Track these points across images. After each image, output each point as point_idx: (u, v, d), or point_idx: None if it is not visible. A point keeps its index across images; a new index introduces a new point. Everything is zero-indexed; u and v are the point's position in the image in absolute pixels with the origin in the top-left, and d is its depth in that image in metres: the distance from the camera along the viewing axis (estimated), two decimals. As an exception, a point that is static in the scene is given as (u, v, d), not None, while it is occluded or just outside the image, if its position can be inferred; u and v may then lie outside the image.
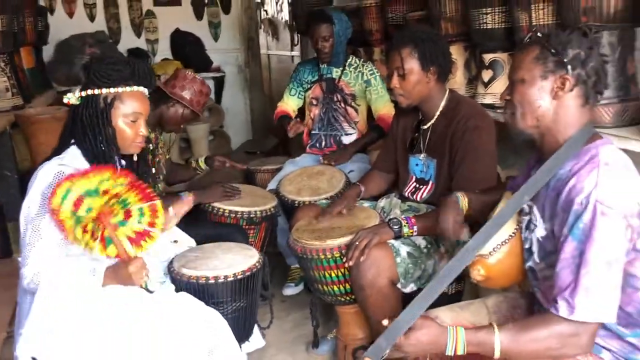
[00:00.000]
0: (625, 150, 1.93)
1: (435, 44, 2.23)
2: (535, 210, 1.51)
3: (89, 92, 1.76)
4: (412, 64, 2.21)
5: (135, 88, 1.79)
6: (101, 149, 1.77)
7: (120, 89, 1.76)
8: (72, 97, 1.78)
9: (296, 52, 6.98)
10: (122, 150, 1.82)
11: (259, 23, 7.36)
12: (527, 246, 1.55)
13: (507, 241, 1.59)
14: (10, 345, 1.93)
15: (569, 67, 1.40)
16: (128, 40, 5.88)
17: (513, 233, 1.59)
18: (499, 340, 1.36)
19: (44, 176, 1.69)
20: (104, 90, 1.75)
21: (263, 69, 7.26)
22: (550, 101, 1.44)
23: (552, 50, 1.41)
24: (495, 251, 1.59)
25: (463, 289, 2.34)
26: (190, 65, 5.77)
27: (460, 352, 1.40)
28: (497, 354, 1.37)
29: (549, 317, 1.36)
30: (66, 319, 1.63)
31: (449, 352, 1.40)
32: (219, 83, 6.18)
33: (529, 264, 1.54)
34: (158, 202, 1.70)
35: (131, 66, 1.80)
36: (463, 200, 1.87)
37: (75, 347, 1.63)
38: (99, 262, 1.71)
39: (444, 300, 2.15)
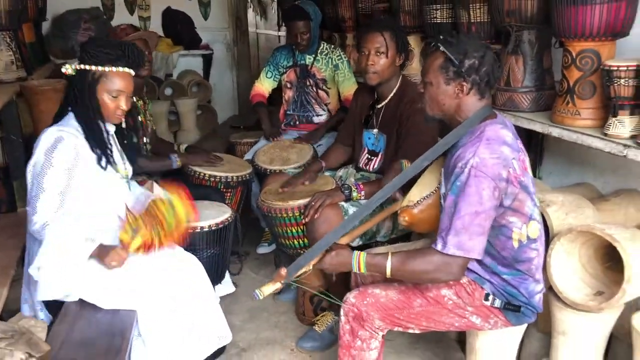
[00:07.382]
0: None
1: (405, 37, 2.66)
2: (442, 173, 1.90)
3: (83, 66, 2.06)
4: (392, 46, 2.60)
5: (121, 69, 2.07)
6: (89, 116, 2.07)
7: (107, 68, 2.05)
8: (69, 68, 2.08)
9: (283, 33, 7.18)
10: (106, 120, 2.12)
11: (248, 2, 7.58)
12: (441, 201, 1.94)
13: (428, 196, 2.01)
14: (16, 287, 2.28)
15: (466, 75, 1.79)
16: (121, 17, 6.08)
17: (434, 191, 2.00)
18: (389, 263, 1.82)
19: (46, 139, 2.01)
20: (94, 67, 2.05)
21: (252, 46, 7.48)
22: (453, 100, 1.84)
23: (453, 62, 1.78)
24: (418, 204, 2.01)
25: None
26: (180, 42, 6.01)
27: (362, 270, 1.86)
28: (388, 274, 1.82)
29: (429, 250, 1.79)
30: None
31: (354, 269, 1.87)
32: (208, 60, 6.37)
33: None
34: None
35: (122, 49, 2.09)
36: (406, 166, 2.25)
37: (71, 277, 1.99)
38: (97, 232, 2.02)
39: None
